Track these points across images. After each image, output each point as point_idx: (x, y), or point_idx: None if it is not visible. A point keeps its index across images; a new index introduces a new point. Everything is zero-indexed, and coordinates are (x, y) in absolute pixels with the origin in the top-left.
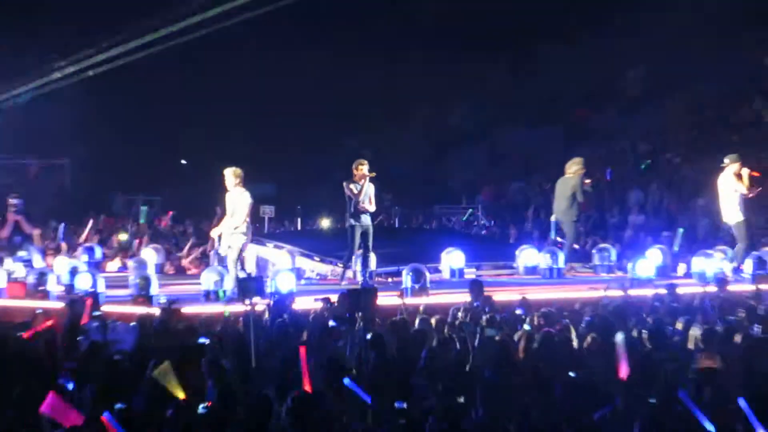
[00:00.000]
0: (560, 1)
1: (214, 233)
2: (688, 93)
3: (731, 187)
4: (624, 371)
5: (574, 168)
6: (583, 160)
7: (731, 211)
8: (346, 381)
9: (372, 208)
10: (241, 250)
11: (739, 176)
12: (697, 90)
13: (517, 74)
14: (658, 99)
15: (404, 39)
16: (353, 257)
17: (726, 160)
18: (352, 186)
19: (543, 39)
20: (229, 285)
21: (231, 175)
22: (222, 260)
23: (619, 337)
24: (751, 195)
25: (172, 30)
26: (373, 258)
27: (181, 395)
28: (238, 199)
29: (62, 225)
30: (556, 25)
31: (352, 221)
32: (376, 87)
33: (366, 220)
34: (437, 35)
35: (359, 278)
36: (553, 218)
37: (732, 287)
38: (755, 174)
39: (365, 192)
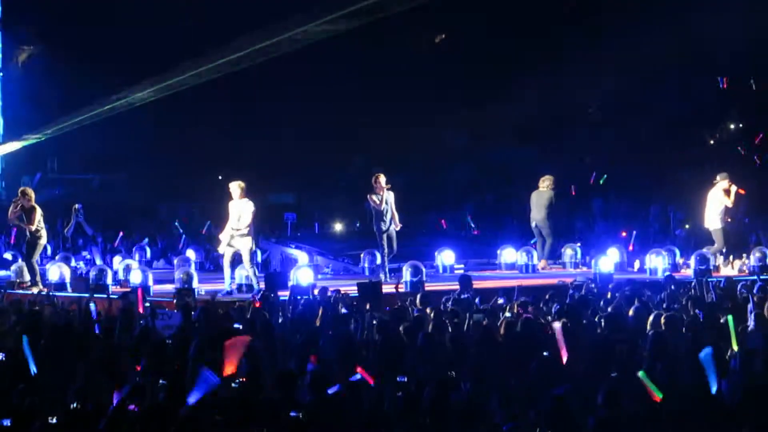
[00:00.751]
0: (536, 33)
1: (223, 236)
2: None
3: (719, 199)
4: (564, 355)
5: (546, 183)
6: (553, 177)
7: (713, 218)
8: (357, 376)
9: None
10: (251, 249)
11: (727, 192)
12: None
13: (498, 100)
14: (624, 120)
15: (400, 74)
16: (383, 257)
17: (718, 177)
18: (374, 197)
19: (521, 67)
20: (238, 277)
21: (237, 188)
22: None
23: (556, 325)
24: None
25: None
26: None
27: (229, 369)
28: (244, 207)
29: (120, 235)
30: (534, 54)
31: (378, 227)
32: (380, 112)
33: (389, 225)
34: (431, 68)
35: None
36: (533, 224)
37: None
38: (741, 191)
39: (386, 201)
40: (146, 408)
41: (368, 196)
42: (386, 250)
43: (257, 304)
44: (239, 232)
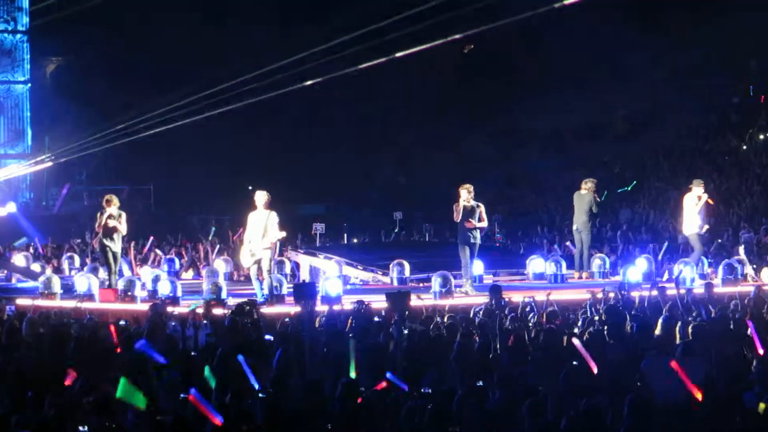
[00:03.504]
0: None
1: (247, 253)
2: (671, 126)
3: (692, 204)
4: (593, 367)
5: (588, 186)
6: (596, 180)
7: (689, 224)
8: (389, 375)
9: (478, 224)
10: (271, 259)
11: (699, 198)
12: (678, 124)
13: (525, 114)
14: (643, 132)
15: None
16: (466, 268)
17: (693, 183)
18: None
19: (545, 86)
20: (266, 288)
21: (262, 197)
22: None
23: (576, 341)
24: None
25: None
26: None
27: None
28: (270, 219)
29: (150, 240)
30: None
31: (459, 238)
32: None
33: (471, 236)
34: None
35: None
36: (574, 227)
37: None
38: (710, 202)
39: (467, 212)
40: (174, 419)
41: (454, 206)
42: (467, 261)
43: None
44: (266, 246)
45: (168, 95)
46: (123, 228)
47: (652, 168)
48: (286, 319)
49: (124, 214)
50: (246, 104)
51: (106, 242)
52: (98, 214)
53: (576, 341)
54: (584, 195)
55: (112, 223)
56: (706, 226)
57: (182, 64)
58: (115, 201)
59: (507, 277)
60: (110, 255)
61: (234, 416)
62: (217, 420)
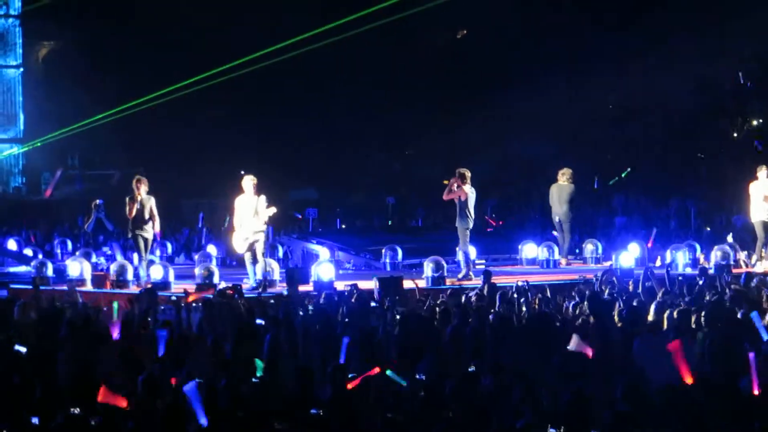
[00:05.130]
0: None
1: (240, 236)
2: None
3: (761, 191)
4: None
5: (566, 176)
6: (572, 170)
7: (758, 211)
8: (389, 372)
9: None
10: (265, 242)
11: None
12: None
13: (520, 99)
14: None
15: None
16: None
17: (759, 169)
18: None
19: (545, 70)
20: (259, 272)
21: (250, 182)
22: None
23: (573, 341)
24: None
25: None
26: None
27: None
28: (260, 203)
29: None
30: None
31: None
32: (402, 113)
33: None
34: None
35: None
36: (555, 219)
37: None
38: None
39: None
40: (167, 404)
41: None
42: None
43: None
44: (259, 229)
45: (160, 79)
46: (155, 214)
47: (645, 155)
48: (271, 301)
49: (153, 198)
50: (239, 89)
51: (137, 230)
52: (127, 199)
53: (575, 338)
54: (564, 186)
55: (146, 213)
56: None
57: (175, 48)
58: (145, 183)
59: (499, 262)
60: (141, 242)
61: (228, 402)
62: (203, 420)
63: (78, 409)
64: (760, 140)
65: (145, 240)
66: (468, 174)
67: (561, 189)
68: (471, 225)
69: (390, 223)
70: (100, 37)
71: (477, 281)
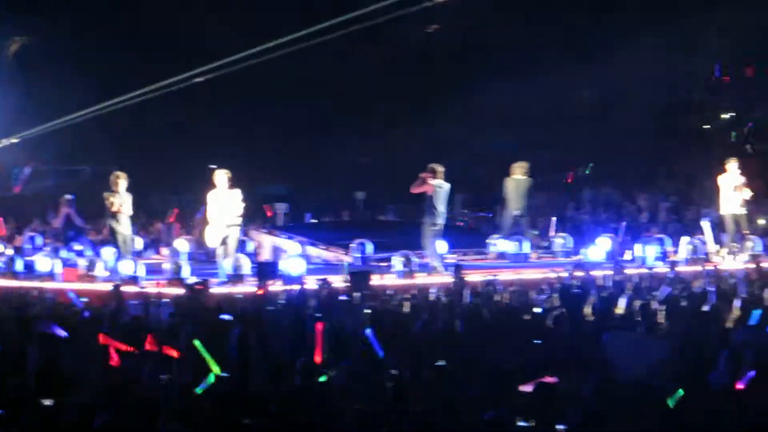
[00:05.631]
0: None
1: (213, 230)
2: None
3: (731, 184)
4: None
5: (523, 170)
6: (528, 164)
7: (728, 204)
8: (368, 331)
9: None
10: (238, 237)
11: (738, 176)
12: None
13: (487, 93)
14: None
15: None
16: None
17: (728, 162)
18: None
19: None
20: (228, 266)
21: (224, 176)
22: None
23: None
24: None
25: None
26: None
27: (216, 369)
28: (235, 197)
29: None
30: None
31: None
32: (372, 101)
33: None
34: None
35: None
36: (515, 213)
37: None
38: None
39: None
40: (140, 398)
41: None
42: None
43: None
44: (232, 223)
45: (133, 77)
46: (126, 209)
47: (616, 148)
48: (240, 296)
49: (131, 195)
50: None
51: (113, 225)
52: (108, 194)
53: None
54: (521, 180)
55: (115, 206)
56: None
57: (149, 47)
58: (124, 179)
59: (470, 256)
60: (120, 238)
61: (198, 397)
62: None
63: (51, 401)
64: (749, 141)
65: (124, 236)
66: (440, 169)
67: (518, 183)
68: (439, 221)
69: (358, 214)
70: (73, 33)
71: (447, 275)
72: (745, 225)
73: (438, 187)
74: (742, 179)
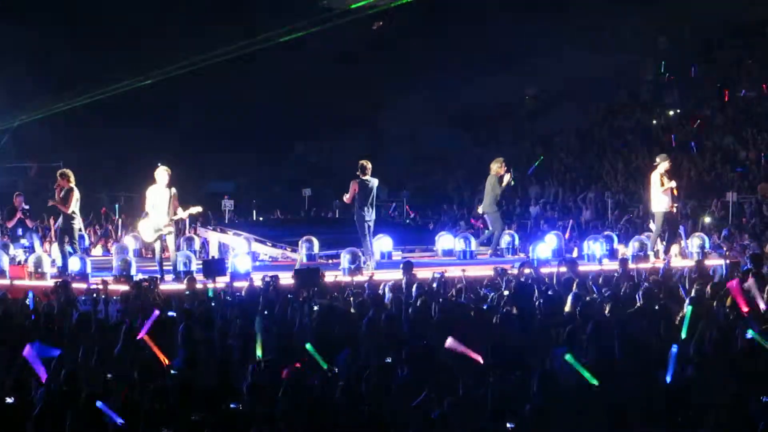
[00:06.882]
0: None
1: (150, 226)
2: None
3: (659, 182)
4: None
5: (494, 167)
6: (503, 159)
7: (658, 202)
8: (308, 346)
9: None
10: (177, 236)
11: (667, 174)
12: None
13: (438, 89)
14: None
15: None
16: (369, 247)
17: (657, 159)
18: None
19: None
20: (172, 266)
21: (165, 173)
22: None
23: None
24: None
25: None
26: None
27: (165, 360)
28: (172, 196)
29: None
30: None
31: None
32: (319, 104)
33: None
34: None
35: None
36: (480, 211)
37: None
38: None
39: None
40: (88, 393)
41: (353, 183)
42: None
43: None
44: (168, 223)
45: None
46: (75, 206)
47: (562, 145)
48: (186, 292)
49: (75, 194)
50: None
51: (72, 221)
52: (67, 191)
53: (450, 339)
54: (489, 177)
55: (67, 204)
56: (675, 205)
57: (103, 47)
58: (69, 175)
59: (417, 253)
60: (76, 233)
61: (146, 394)
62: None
63: (12, 399)
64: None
65: (79, 231)
66: (368, 165)
67: (487, 180)
68: (369, 217)
69: (304, 211)
70: (25, 32)
71: (384, 272)
72: (676, 223)
73: (366, 182)
74: (673, 181)
